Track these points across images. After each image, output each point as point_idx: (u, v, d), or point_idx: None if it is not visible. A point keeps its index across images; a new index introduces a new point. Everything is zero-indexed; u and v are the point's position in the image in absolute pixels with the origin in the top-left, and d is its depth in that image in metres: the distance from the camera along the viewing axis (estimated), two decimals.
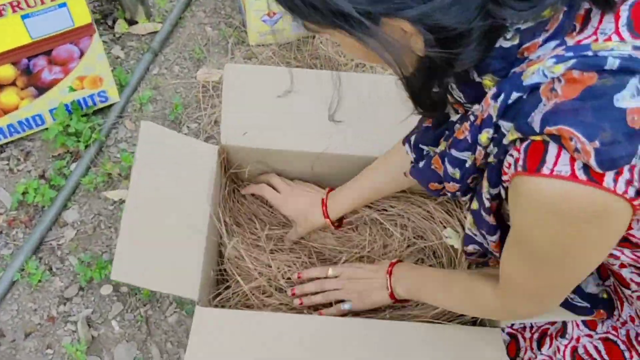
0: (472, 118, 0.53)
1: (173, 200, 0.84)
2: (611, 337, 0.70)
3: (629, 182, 0.43)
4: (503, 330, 0.78)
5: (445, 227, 0.94)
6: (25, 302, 1.06)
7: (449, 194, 0.63)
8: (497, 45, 0.47)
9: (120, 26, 1.39)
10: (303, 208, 0.90)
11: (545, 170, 0.43)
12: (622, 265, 0.64)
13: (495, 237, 0.61)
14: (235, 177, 1.01)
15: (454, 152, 0.57)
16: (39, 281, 1.07)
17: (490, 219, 0.59)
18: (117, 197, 1.17)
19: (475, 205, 0.61)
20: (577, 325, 0.72)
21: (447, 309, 0.77)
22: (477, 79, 0.51)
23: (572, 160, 0.42)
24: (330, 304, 0.85)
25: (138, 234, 0.80)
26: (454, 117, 0.61)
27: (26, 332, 1.04)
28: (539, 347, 0.75)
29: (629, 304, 0.69)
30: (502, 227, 0.60)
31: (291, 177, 0.98)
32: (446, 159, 0.58)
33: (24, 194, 1.14)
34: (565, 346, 0.71)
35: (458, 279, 0.75)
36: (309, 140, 0.92)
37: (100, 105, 1.26)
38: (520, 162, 0.45)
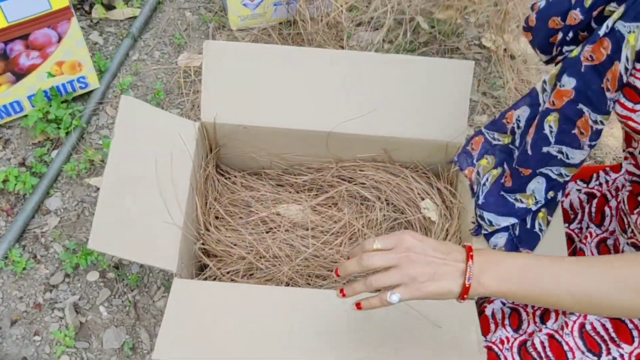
0: None
1: (152, 175, 0.85)
2: None
3: None
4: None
5: (423, 199, 0.96)
6: (10, 290, 1.05)
7: (561, 34, 0.63)
8: None
9: (98, 11, 1.37)
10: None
11: None
12: None
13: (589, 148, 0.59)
14: (219, 159, 1.02)
15: None
16: (24, 269, 1.06)
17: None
18: (100, 184, 1.16)
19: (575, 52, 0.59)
20: None
21: (595, 310, 0.55)
22: None
23: None
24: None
25: (116, 206, 0.81)
26: None
27: (12, 319, 1.03)
28: (543, 321, 0.74)
29: None
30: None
31: (273, 154, 0.99)
32: None
33: (4, 182, 1.13)
34: (574, 322, 0.71)
35: (619, 258, 0.55)
36: (295, 118, 0.92)
37: (80, 92, 1.24)
38: None
